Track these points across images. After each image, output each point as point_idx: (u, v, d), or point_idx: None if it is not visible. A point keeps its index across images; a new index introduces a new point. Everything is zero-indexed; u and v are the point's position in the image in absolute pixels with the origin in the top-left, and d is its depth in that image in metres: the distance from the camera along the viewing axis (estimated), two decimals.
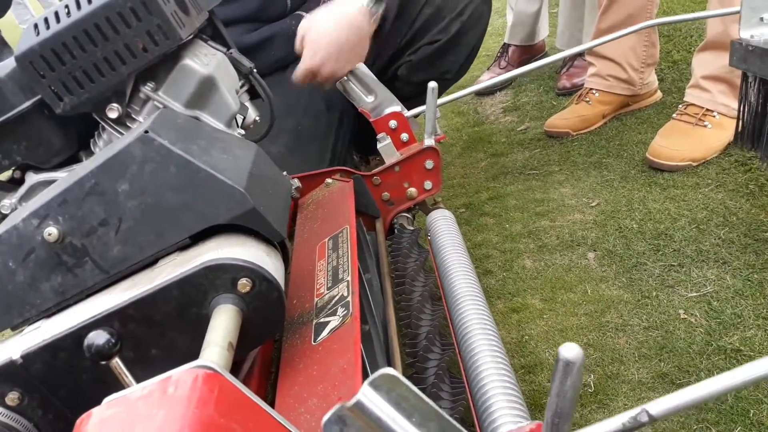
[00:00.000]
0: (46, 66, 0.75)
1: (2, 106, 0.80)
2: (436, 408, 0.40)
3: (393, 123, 1.17)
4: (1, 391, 0.62)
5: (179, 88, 0.84)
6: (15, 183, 0.89)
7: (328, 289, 0.82)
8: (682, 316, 1.04)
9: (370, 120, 1.19)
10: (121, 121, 0.84)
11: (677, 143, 1.42)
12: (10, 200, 0.87)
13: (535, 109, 1.96)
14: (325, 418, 0.38)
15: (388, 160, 1.15)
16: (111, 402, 0.40)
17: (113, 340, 0.53)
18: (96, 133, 0.87)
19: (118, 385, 0.62)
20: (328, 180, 1.17)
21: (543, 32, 2.21)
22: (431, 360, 0.80)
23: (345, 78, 1.20)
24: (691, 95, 1.49)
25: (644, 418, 0.43)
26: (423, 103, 1.19)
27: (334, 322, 0.73)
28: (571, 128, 1.71)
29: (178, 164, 0.65)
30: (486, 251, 1.36)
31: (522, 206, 1.48)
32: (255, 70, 0.96)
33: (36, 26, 0.76)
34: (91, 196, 0.65)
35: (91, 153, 0.88)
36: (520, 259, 1.30)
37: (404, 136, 1.17)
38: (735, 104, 1.42)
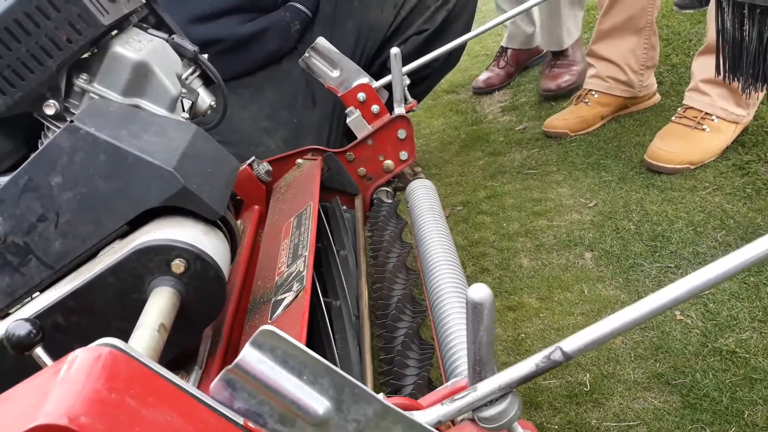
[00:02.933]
0: None
1: None
2: (327, 363, 0.38)
3: (361, 96, 1.14)
4: None
5: (113, 77, 0.83)
6: None
7: (288, 267, 0.82)
8: (678, 318, 1.05)
9: (338, 95, 1.16)
10: (61, 117, 0.83)
11: (675, 146, 1.42)
12: None
13: (533, 109, 1.96)
14: (213, 384, 0.37)
15: (360, 134, 1.13)
16: (18, 385, 0.39)
17: (34, 331, 0.52)
18: (42, 132, 0.87)
19: None
20: (299, 160, 1.14)
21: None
22: (400, 328, 0.79)
23: (307, 54, 1.16)
24: (690, 98, 1.50)
25: (558, 356, 0.43)
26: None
27: (288, 297, 0.73)
28: (570, 129, 1.71)
29: (107, 151, 0.64)
30: (483, 249, 1.36)
31: (519, 205, 1.48)
32: (200, 54, 0.95)
33: None
34: (26, 193, 0.65)
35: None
36: (517, 257, 1.30)
37: (375, 108, 1.14)
38: (733, 108, 1.43)
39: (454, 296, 0.75)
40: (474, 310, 0.39)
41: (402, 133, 1.11)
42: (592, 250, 1.26)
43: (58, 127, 0.83)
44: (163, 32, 0.92)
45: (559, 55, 1.98)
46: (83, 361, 0.37)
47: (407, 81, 1.15)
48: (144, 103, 0.86)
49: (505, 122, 1.95)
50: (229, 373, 0.37)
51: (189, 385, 0.39)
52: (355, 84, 1.15)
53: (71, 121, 0.65)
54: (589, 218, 1.36)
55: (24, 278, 0.66)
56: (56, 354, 0.60)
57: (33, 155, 0.66)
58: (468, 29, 1.49)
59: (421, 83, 1.54)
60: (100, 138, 0.64)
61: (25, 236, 0.65)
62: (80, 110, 0.80)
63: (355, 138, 1.71)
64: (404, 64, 1.43)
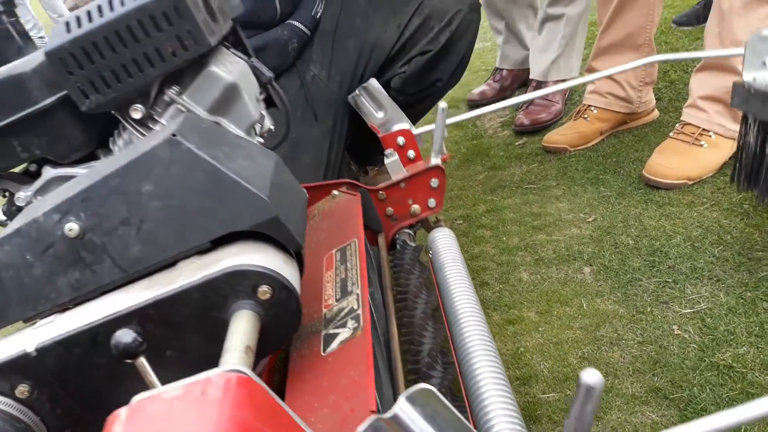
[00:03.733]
0: (75, 63, 0.76)
1: (26, 100, 0.80)
2: (470, 426, 0.40)
3: (401, 140, 1.19)
4: (11, 383, 0.62)
5: (203, 94, 0.85)
6: (30, 176, 0.89)
7: (337, 300, 0.82)
8: (675, 332, 1.06)
9: (379, 135, 1.21)
10: (143, 122, 0.85)
11: (673, 161, 1.44)
12: (25, 193, 0.87)
13: None
14: (360, 428, 0.39)
15: (395, 176, 1.17)
16: (143, 401, 0.40)
17: (139, 339, 0.53)
18: (116, 131, 0.88)
19: (129, 383, 0.62)
20: (335, 192, 1.17)
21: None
22: (434, 378, 0.80)
23: (357, 92, 1.21)
24: (688, 114, 1.52)
25: None
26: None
27: (344, 334, 0.74)
28: (569, 144, 1.73)
29: (205, 169, 0.66)
30: (483, 263, 1.37)
31: (519, 220, 1.49)
32: (274, 80, 0.97)
33: (68, 24, 0.77)
34: (114, 195, 0.66)
35: (109, 151, 0.89)
36: (517, 271, 1.32)
37: (411, 153, 1.19)
38: (731, 124, 1.45)
39: (483, 354, 0.77)
40: (586, 392, 0.42)
41: (435, 182, 1.16)
42: (590, 265, 1.27)
43: (139, 131, 0.85)
44: (240, 52, 0.94)
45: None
46: (219, 385, 0.39)
47: (446, 134, 1.19)
48: (225, 123, 0.88)
49: (505, 137, 1.97)
50: (379, 422, 0.39)
51: (299, 419, 0.41)
52: (396, 128, 1.20)
53: (173, 135, 0.66)
54: (588, 233, 1.37)
55: (94, 276, 0.67)
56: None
57: (127, 160, 0.66)
58: (470, 50, 1.51)
59: (423, 101, 1.56)
60: (201, 156, 0.66)
61: (104, 236, 0.66)
62: (173, 122, 0.81)
63: (360, 156, 1.75)
64: (407, 84, 1.46)
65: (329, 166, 1.44)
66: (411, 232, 1.19)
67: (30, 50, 0.89)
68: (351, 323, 0.75)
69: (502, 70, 2.20)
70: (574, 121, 1.79)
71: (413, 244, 1.12)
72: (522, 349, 1.10)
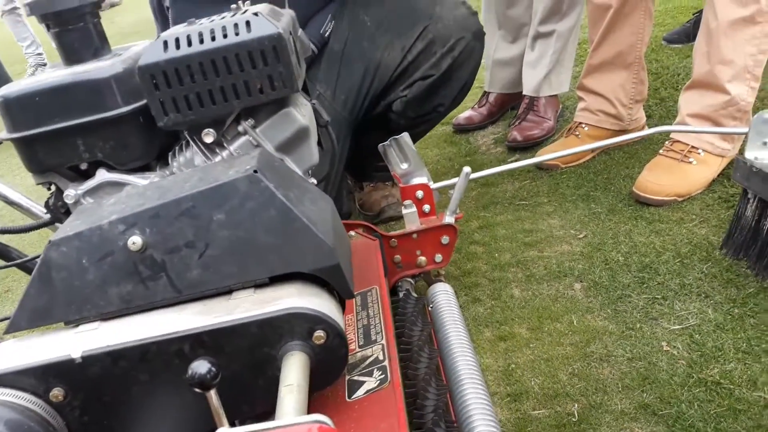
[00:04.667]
0: (164, 81, 0.79)
1: (101, 104, 0.82)
2: None
3: (420, 193, 1.22)
4: (47, 385, 0.62)
5: (277, 132, 0.88)
6: (78, 173, 0.90)
7: (360, 347, 0.83)
8: (664, 348, 1.07)
9: (399, 185, 1.25)
10: (211, 146, 0.87)
11: (663, 179, 1.46)
12: (75, 191, 0.88)
13: None
14: None
15: (409, 226, 1.20)
16: None
17: (214, 371, 0.54)
18: (177, 147, 0.90)
19: (162, 403, 0.63)
20: (351, 233, 1.21)
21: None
22: None
23: (388, 142, 1.25)
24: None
25: None
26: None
27: (370, 383, 0.75)
28: (560, 161, 1.75)
29: (279, 209, 0.68)
30: (475, 279, 1.38)
31: (511, 236, 1.51)
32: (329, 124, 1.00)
33: (165, 43, 0.79)
34: (184, 217, 0.67)
35: (165, 164, 0.90)
36: (509, 288, 1.33)
37: (426, 207, 1.23)
38: (719, 142, 1.47)
39: (481, 417, 0.78)
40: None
41: (445, 239, 1.20)
42: (581, 281, 1.29)
43: (205, 154, 0.87)
44: (305, 94, 0.97)
45: (532, 107, 2.01)
46: None
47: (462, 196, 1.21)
48: (288, 161, 0.90)
49: (498, 154, 1.99)
50: None
51: None
52: (415, 180, 1.25)
53: (255, 171, 0.68)
54: (579, 249, 1.39)
55: (146, 291, 0.68)
56: (164, 380, 0.62)
57: (205, 186, 0.68)
58: (473, 76, 1.53)
59: (424, 124, 1.58)
60: (277, 196, 0.68)
61: (165, 254, 0.67)
62: (236, 148, 0.84)
63: (357, 172, 1.77)
64: (408, 108, 1.48)
65: (329, 184, 1.45)
66: (412, 281, 1.22)
67: (106, 53, 0.90)
68: (377, 373, 0.76)
69: (489, 94, 2.22)
70: (565, 138, 1.81)
71: (415, 295, 1.13)
72: (513, 365, 1.11)
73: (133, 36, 4.43)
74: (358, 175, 1.83)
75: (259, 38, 0.78)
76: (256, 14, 0.81)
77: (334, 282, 0.71)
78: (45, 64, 4.83)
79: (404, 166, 1.26)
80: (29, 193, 1.11)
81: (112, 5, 7.68)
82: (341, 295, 0.73)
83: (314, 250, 0.68)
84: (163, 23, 1.51)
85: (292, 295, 0.66)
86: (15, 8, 4.95)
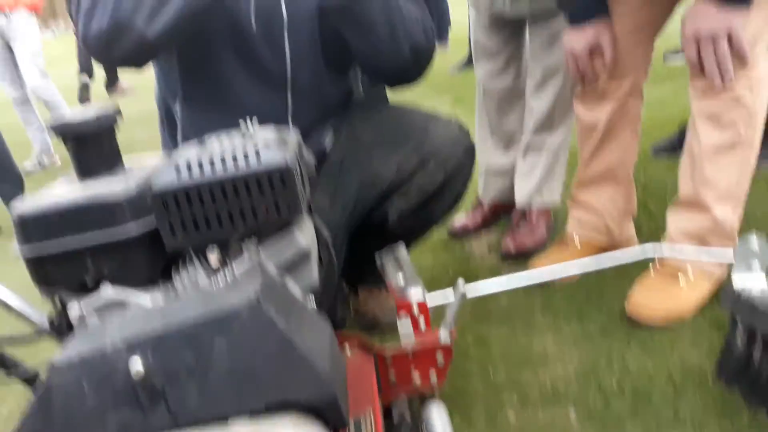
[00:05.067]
0: (175, 205, 0.82)
1: (113, 226, 0.84)
2: None
3: (416, 310, 1.22)
4: None
5: (279, 252, 0.90)
6: (84, 288, 0.90)
7: None
8: None
9: (395, 298, 1.24)
10: (214, 265, 0.89)
11: (653, 300, 1.48)
12: (79, 306, 0.88)
13: None
14: None
15: (404, 343, 1.20)
16: None
17: None
18: (181, 262, 0.91)
19: None
20: (346, 348, 1.20)
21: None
22: None
23: (385, 253, 1.27)
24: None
25: None
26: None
27: None
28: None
29: (279, 340, 0.68)
30: (470, 400, 1.38)
31: (505, 354, 1.52)
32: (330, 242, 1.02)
33: (178, 168, 0.82)
34: (187, 344, 0.67)
35: (168, 277, 0.91)
36: (504, 411, 1.32)
37: (422, 325, 1.23)
38: (708, 264, 1.50)
39: None
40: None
41: (441, 360, 1.19)
42: (575, 407, 1.29)
43: (208, 271, 0.88)
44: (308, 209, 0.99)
45: (524, 217, 2.07)
46: None
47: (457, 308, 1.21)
48: (288, 280, 0.91)
49: (492, 263, 2.02)
50: None
51: None
52: (411, 292, 1.23)
53: (258, 301, 0.69)
54: (573, 370, 1.39)
55: (143, 419, 0.67)
56: None
57: (208, 311, 0.69)
58: (465, 188, 1.59)
59: (419, 233, 1.63)
60: (279, 328, 0.69)
61: (165, 381, 0.67)
62: (237, 265, 0.85)
63: (352, 277, 1.79)
64: (404, 219, 1.52)
65: (325, 293, 1.47)
66: (407, 402, 1.20)
67: (119, 168, 0.93)
68: None
69: (483, 203, 2.27)
70: (558, 250, 1.85)
71: (409, 421, 1.12)
72: None
73: (137, 126, 4.57)
74: (353, 280, 1.85)
75: (268, 169, 0.82)
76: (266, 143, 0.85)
77: (328, 413, 0.71)
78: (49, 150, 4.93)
79: (399, 277, 1.27)
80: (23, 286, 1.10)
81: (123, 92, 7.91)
82: (335, 425, 0.73)
83: (312, 384, 0.69)
84: (170, 125, 1.55)
85: (287, 427, 0.66)
86: (27, 99, 5.06)
